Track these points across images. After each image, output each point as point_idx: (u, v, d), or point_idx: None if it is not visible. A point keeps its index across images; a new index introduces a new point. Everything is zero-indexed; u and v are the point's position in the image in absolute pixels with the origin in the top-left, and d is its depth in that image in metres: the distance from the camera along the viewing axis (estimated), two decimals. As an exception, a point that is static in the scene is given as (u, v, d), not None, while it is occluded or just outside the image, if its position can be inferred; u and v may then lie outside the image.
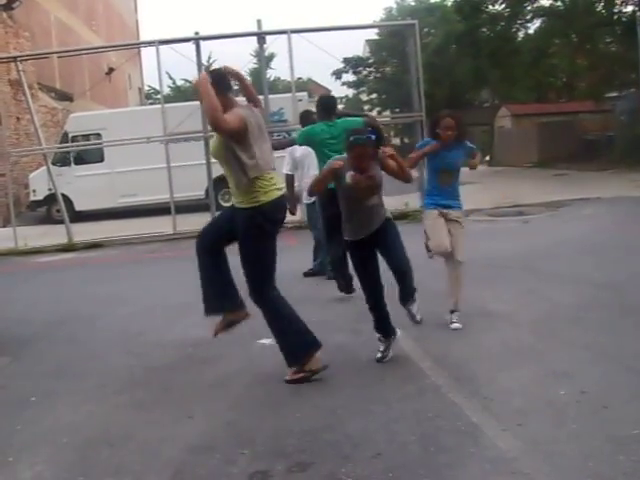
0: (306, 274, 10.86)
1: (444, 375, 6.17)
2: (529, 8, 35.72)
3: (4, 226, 24.18)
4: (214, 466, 4.76)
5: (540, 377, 5.96)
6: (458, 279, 7.99)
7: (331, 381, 6.25)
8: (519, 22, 36.54)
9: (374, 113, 55.31)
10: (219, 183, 21.32)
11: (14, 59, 20.57)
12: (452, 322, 7.80)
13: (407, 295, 6.71)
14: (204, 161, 18.63)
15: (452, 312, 7.85)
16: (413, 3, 53.82)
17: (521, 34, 37.85)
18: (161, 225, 19.13)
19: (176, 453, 5.01)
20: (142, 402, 6.12)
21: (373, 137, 6.37)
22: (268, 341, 7.47)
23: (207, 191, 20.03)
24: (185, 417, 5.68)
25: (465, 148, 7.85)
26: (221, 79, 6.19)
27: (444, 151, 7.62)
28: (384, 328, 6.73)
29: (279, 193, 6.28)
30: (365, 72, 56.11)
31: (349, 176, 6.40)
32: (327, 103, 9.50)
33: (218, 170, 19.91)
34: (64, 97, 33.48)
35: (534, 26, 37.18)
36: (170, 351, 7.63)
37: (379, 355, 6.68)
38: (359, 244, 6.57)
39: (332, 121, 9.17)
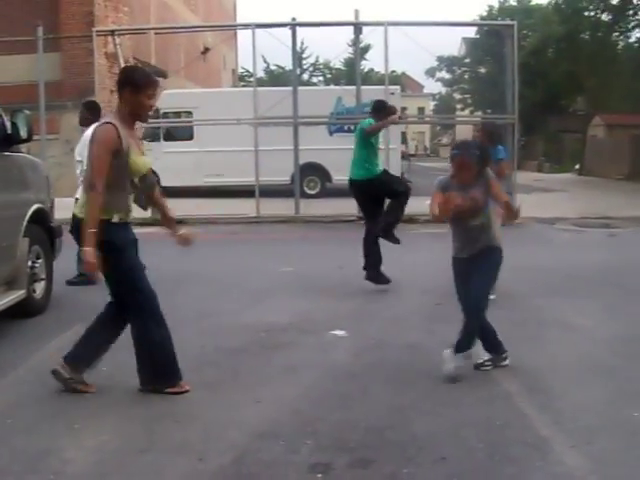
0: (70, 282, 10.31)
1: (516, 383, 6.07)
2: (632, 17, 34.99)
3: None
4: (277, 453, 4.76)
5: (614, 396, 5.81)
6: None
7: (402, 380, 6.20)
8: (620, 30, 35.83)
9: (466, 112, 55.02)
10: (305, 170, 21.45)
11: (112, 32, 20.89)
12: None
13: (460, 346, 6.30)
14: (292, 147, 18.71)
15: None
16: (514, 3, 53.11)
17: (622, 43, 37.14)
18: (244, 207, 19.25)
19: (240, 436, 5.02)
20: (211, 382, 6.15)
21: (477, 153, 6.17)
22: (341, 332, 7.48)
23: (292, 177, 20.12)
24: (252, 401, 5.69)
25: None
26: None
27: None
28: (490, 346, 6.49)
29: None
30: (459, 71, 55.70)
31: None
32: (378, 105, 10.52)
33: (305, 157, 19.92)
34: (158, 73, 33.66)
35: (635, 35, 36.48)
36: (243, 334, 7.65)
37: (479, 361, 6.45)
38: (460, 260, 6.36)
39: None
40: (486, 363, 6.44)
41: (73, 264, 9.90)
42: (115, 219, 5.65)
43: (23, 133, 7.80)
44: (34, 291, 8.49)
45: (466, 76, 56.71)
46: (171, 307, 8.67)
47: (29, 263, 8.27)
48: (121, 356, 6.76)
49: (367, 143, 10.11)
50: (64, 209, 12.75)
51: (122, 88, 5.64)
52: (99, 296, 9.27)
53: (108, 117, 5.77)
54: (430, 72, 56.80)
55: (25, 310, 8.23)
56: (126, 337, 7.27)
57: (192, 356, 6.87)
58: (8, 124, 7.80)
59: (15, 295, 7.82)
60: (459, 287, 6.39)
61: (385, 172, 10.49)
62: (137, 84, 5.60)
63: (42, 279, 8.66)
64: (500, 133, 6.72)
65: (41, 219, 8.66)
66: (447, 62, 54.73)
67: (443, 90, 69.22)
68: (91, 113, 9.99)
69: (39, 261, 8.57)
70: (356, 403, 5.67)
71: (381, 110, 10.31)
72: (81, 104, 10.71)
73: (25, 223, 8.10)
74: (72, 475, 4.47)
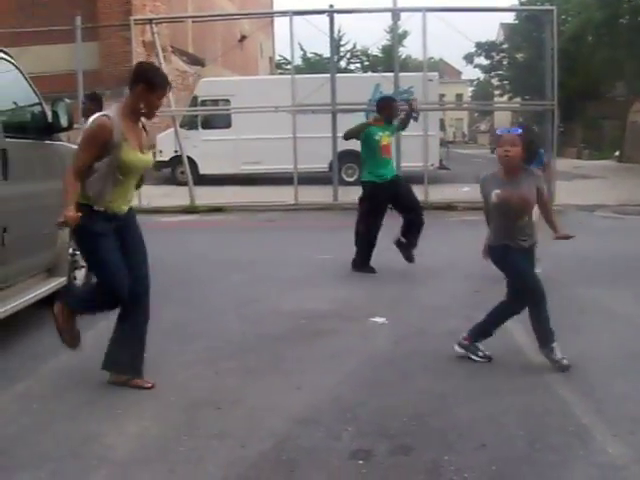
0: None
1: (557, 372, 6.01)
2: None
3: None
4: (318, 439, 4.77)
5: (658, 384, 5.77)
6: None
7: (441, 367, 6.19)
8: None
9: (505, 98, 54.60)
10: (343, 157, 21.41)
11: (149, 21, 21.01)
12: None
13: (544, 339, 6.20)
14: (330, 134, 18.70)
15: None
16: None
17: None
18: (282, 195, 19.29)
19: (281, 423, 5.04)
20: (252, 369, 6.18)
21: (519, 131, 5.94)
22: (382, 319, 7.47)
23: (331, 164, 20.11)
24: (293, 388, 5.72)
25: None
26: None
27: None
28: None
29: None
30: (497, 57, 55.15)
31: (495, 195, 5.93)
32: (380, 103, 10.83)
33: (343, 144, 19.99)
34: (196, 62, 33.94)
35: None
36: (283, 321, 7.68)
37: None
38: (517, 249, 6.11)
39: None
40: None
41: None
42: (100, 208, 5.63)
43: (64, 122, 7.84)
44: (75, 278, 8.54)
45: (504, 62, 56.12)
46: (210, 294, 8.79)
47: (70, 250, 8.31)
48: (162, 343, 6.81)
49: (363, 145, 10.57)
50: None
51: (135, 83, 5.62)
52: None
53: (109, 109, 5.77)
54: (468, 58, 56.12)
55: (66, 297, 8.30)
56: (164, 324, 7.33)
57: (233, 343, 6.93)
58: (49, 113, 7.86)
59: (56, 282, 7.87)
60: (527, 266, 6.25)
61: (371, 187, 10.55)
62: (152, 83, 5.62)
63: (82, 266, 8.71)
64: (538, 138, 6.28)
65: (82, 207, 8.73)
66: (485, 48, 54.15)
67: (481, 76, 68.64)
68: (94, 104, 10.13)
69: (80, 248, 8.63)
70: (396, 390, 5.67)
71: (383, 109, 10.46)
72: (84, 96, 10.86)
73: (66, 211, 8.16)
74: (115, 461, 4.50)
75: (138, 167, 5.77)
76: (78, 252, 8.38)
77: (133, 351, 5.82)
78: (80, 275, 8.65)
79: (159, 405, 5.42)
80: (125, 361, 5.82)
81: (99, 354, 5.86)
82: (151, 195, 18.85)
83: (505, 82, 57.23)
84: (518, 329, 6.78)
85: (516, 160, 5.94)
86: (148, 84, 5.61)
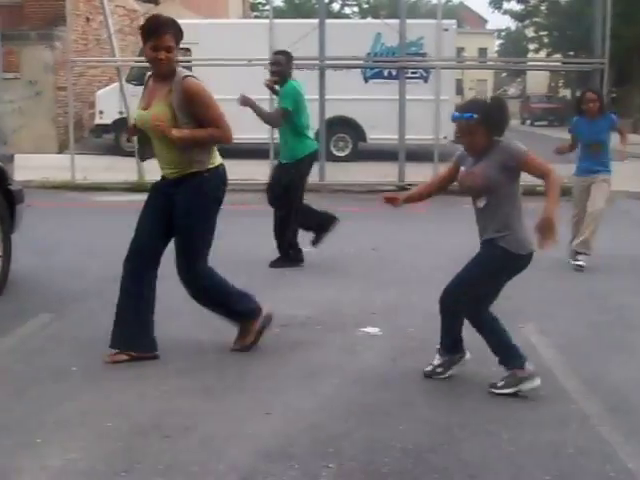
0: None
1: (596, 402, 6.06)
2: None
3: (60, 152, 24.60)
4: (290, 478, 4.78)
5: None
6: (590, 223, 10.37)
7: (448, 391, 6.24)
8: None
9: (542, 55, 54.57)
10: (333, 126, 21.32)
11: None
12: (576, 260, 10.34)
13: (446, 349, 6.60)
14: (316, 96, 18.62)
15: (578, 253, 10.36)
16: None
17: None
18: (257, 172, 19.21)
19: (244, 456, 5.05)
20: (210, 388, 6.20)
21: (474, 116, 6.07)
22: (375, 330, 7.49)
23: (317, 134, 20.09)
24: (261, 413, 5.74)
25: (609, 120, 10.94)
26: None
27: (590, 125, 10.75)
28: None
29: None
30: (534, 1, 55.07)
31: (460, 174, 6.43)
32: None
33: (333, 109, 19.81)
34: (147, -1, 33.86)
35: None
36: (251, 329, 7.69)
37: (429, 368, 6.56)
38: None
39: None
40: (437, 370, 6.55)
41: (40, 239, 10.01)
42: None
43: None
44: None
45: (543, 7, 56.04)
46: (159, 292, 8.75)
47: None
48: (95, 354, 6.82)
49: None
50: (27, 169, 12.75)
51: None
52: (67, 281, 9.36)
53: None
54: (496, 2, 56.25)
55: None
56: (100, 329, 7.32)
57: (188, 354, 6.95)
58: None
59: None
60: None
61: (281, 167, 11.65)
62: (141, 33, 6.53)
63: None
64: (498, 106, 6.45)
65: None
66: (519, -11, 54.24)
67: (512, 25, 68.65)
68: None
69: (-8, 234, 8.59)
70: (390, 418, 5.70)
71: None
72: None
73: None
74: (31, 504, 4.51)
75: (140, 125, 6.77)
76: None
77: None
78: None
79: (91, 432, 5.40)
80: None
81: (15, 359, 5.88)
82: (89, 168, 18.82)
83: (543, 33, 57.13)
84: (546, 344, 6.84)
85: (479, 149, 6.21)
86: (141, 35, 6.52)
